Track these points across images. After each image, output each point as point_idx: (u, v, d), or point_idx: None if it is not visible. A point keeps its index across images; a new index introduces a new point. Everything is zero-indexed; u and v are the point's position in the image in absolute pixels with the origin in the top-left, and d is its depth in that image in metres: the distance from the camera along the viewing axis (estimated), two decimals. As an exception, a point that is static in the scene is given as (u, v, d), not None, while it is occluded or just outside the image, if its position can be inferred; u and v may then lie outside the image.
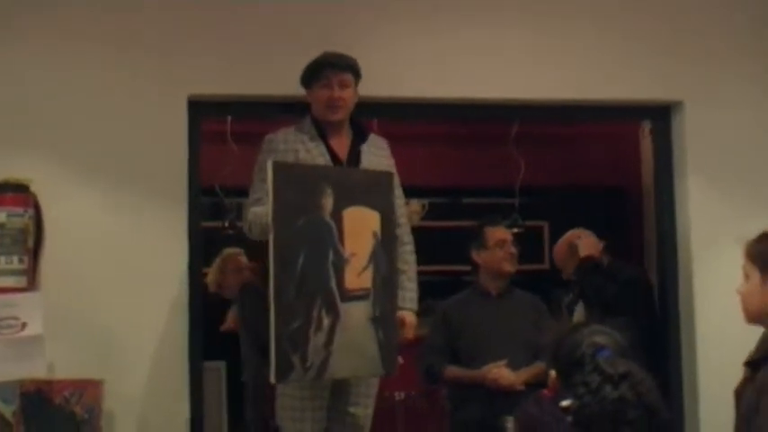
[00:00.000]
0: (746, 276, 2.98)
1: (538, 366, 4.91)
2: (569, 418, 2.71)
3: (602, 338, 2.91)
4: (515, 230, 7.83)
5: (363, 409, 4.26)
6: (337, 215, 4.00)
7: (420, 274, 7.24)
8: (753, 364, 2.91)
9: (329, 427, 4.20)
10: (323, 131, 4.26)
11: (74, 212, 4.39)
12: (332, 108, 4.23)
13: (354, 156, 4.27)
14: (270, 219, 3.84)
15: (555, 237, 8.60)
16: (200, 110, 4.58)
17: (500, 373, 4.83)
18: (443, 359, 5.01)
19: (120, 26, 4.53)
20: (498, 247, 5.16)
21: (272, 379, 3.82)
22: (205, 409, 4.58)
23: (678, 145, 4.91)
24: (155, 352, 4.42)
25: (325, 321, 3.93)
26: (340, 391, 4.19)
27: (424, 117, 5.40)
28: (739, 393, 2.94)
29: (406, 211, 4.59)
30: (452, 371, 4.98)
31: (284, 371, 3.82)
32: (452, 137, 8.19)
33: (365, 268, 4.09)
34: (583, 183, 8.38)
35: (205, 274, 6.15)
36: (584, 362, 2.80)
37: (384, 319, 4.13)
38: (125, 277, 4.41)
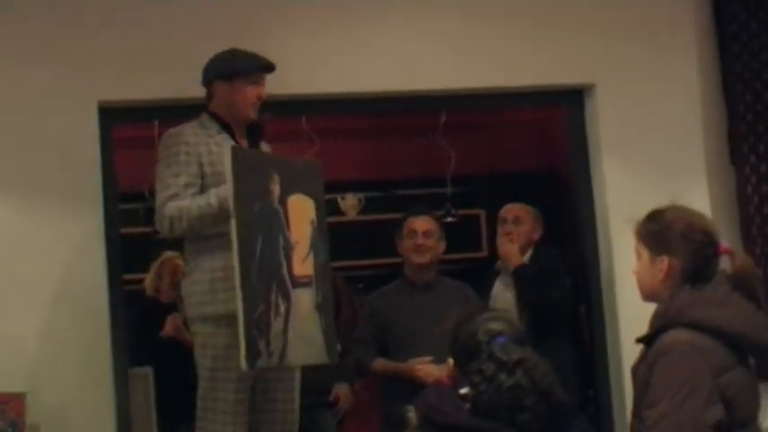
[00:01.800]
0: (638, 256, 3.02)
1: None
2: (468, 406, 2.72)
3: (497, 325, 2.93)
4: (449, 220, 7.92)
5: (292, 403, 4.24)
6: (283, 202, 4.01)
7: (357, 268, 7.31)
8: (646, 341, 2.94)
9: (257, 428, 4.17)
10: (227, 126, 4.19)
11: (-12, 225, 4.37)
12: (255, 107, 4.20)
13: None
14: (231, 204, 3.80)
15: (491, 224, 8.72)
16: (111, 115, 4.56)
17: (425, 369, 4.84)
18: (372, 352, 5.02)
19: (27, 35, 4.49)
20: (408, 237, 5.17)
21: (243, 366, 3.77)
22: (133, 417, 4.56)
23: (592, 128, 4.95)
24: (77, 361, 4.40)
25: (282, 307, 3.94)
26: (264, 388, 4.16)
27: (342, 112, 5.42)
28: (635, 370, 2.97)
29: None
30: (380, 364, 4.99)
31: (253, 357, 3.79)
32: (382, 130, 8.20)
33: (307, 255, 4.11)
34: (516, 168, 8.41)
35: (136, 281, 6.12)
36: (479, 349, 2.82)
37: (325, 306, 4.16)
38: (43, 287, 4.39)
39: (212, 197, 3.94)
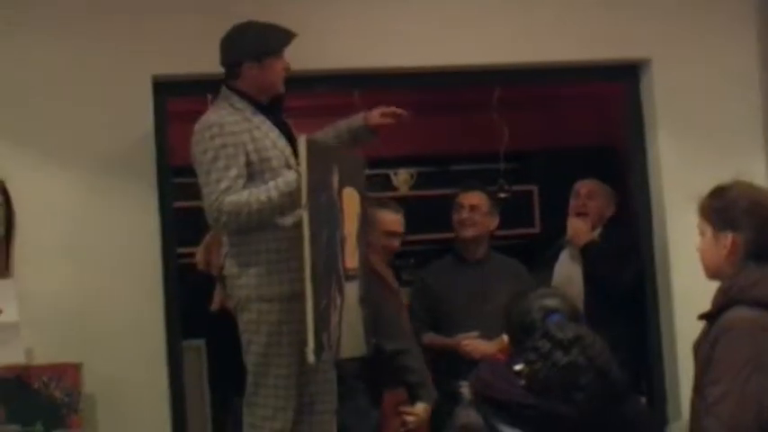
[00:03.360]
0: (702, 233, 2.98)
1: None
2: (522, 383, 2.71)
3: (552, 302, 2.91)
4: (502, 195, 7.88)
5: (330, 405, 4.22)
6: (339, 195, 3.98)
7: (411, 243, 7.25)
8: (708, 318, 2.91)
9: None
10: (259, 105, 4.07)
11: (43, 197, 4.41)
12: (282, 80, 4.10)
13: (287, 128, 4.16)
14: (304, 197, 3.74)
15: (544, 200, 8.65)
16: (166, 89, 4.58)
17: (472, 345, 4.83)
18: (423, 326, 5.02)
19: (80, 10, 4.51)
20: (456, 211, 5.16)
21: (311, 359, 3.74)
22: (186, 389, 4.60)
23: (648, 103, 4.89)
24: (132, 333, 4.44)
25: (338, 300, 3.93)
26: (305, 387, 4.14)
27: (396, 86, 5.36)
28: (696, 347, 2.94)
29: None
30: (429, 338, 4.99)
31: (319, 350, 3.76)
32: (436, 105, 8.14)
33: (356, 248, 4.11)
34: (572, 144, 8.33)
35: (189, 254, 6.15)
36: (534, 327, 2.81)
37: (368, 299, 4.16)
38: (98, 260, 4.43)
39: (272, 190, 3.86)
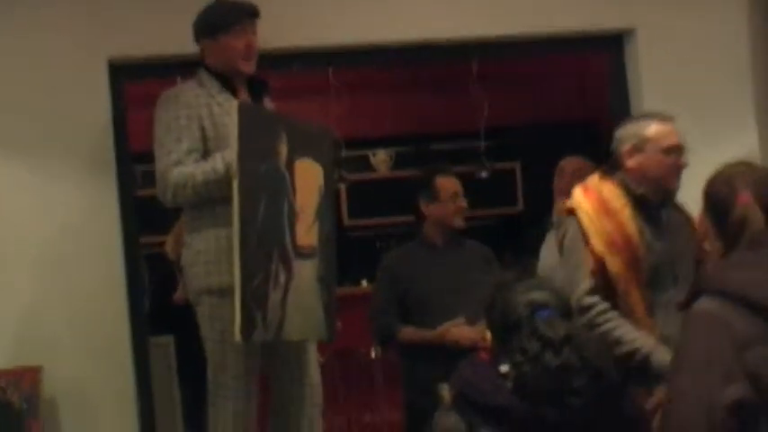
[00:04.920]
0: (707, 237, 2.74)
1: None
2: (509, 385, 2.48)
3: (540, 295, 2.64)
4: (483, 175, 7.67)
5: (316, 376, 4.02)
6: (290, 165, 3.75)
7: (390, 225, 7.01)
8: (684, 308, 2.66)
9: (277, 403, 3.96)
10: (228, 83, 3.93)
11: (-2, 189, 4.16)
12: (247, 58, 3.93)
13: None
14: (234, 164, 3.55)
15: (527, 177, 8.45)
16: (123, 72, 4.33)
17: (460, 332, 4.58)
18: (395, 319, 4.75)
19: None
20: (451, 200, 4.89)
21: (237, 337, 3.53)
22: (155, 388, 4.36)
23: (633, 74, 4.66)
24: (94, 331, 4.20)
25: (281, 278, 3.68)
26: (284, 362, 3.94)
27: (370, 63, 5.15)
28: None
29: None
30: (408, 332, 4.70)
31: (248, 328, 3.55)
32: (414, 83, 7.94)
33: (313, 224, 3.86)
34: (554, 119, 8.12)
35: (159, 244, 5.92)
36: (520, 324, 2.56)
37: (328, 280, 3.91)
38: (55, 255, 4.19)
39: (218, 162, 3.68)
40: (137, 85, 4.72)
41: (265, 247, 3.60)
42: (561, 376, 2.41)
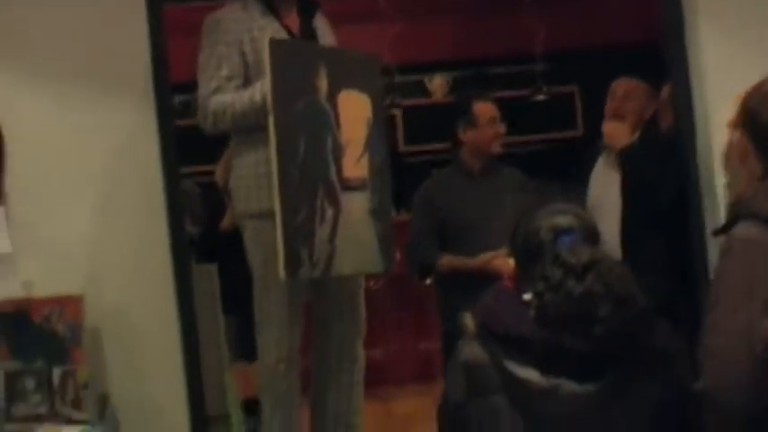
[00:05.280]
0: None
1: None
2: (532, 313, 2.40)
3: (563, 220, 2.55)
4: (539, 98, 7.53)
5: (353, 330, 3.97)
6: (332, 99, 3.68)
7: (446, 151, 6.90)
8: (721, 234, 2.54)
9: (321, 334, 3.94)
10: (272, 6, 3.88)
11: (32, 120, 4.10)
12: None
13: (308, 32, 3.91)
14: (269, 102, 3.51)
15: (586, 100, 8.26)
16: (159, -4, 4.24)
17: (504, 262, 4.48)
18: (433, 247, 4.67)
19: None
20: (489, 125, 4.77)
21: (281, 275, 3.53)
22: (199, 315, 4.33)
23: (686, -7, 4.45)
24: (135, 260, 4.16)
25: (328, 213, 3.65)
26: (333, 293, 3.90)
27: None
28: None
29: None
30: (448, 260, 4.64)
31: (294, 266, 3.53)
32: (470, 6, 7.77)
33: (361, 156, 3.79)
34: (614, 42, 7.90)
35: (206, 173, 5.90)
36: (542, 250, 2.46)
37: (381, 211, 3.84)
38: (95, 184, 4.14)
39: (257, 92, 3.64)
40: (179, 10, 4.67)
41: (308, 184, 3.56)
42: (585, 304, 2.31)
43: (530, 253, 2.51)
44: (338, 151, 3.68)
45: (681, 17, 4.48)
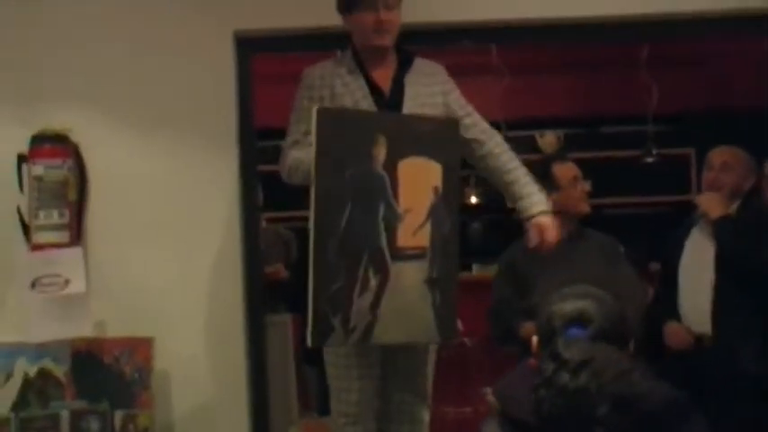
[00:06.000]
0: None
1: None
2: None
3: (577, 308, 2.37)
4: (649, 160, 7.32)
5: (413, 396, 3.87)
6: (391, 166, 3.59)
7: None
8: None
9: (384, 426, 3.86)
10: (363, 62, 3.85)
11: (118, 161, 4.15)
12: (379, 32, 3.78)
13: (398, 87, 3.84)
14: (312, 169, 3.50)
15: (703, 164, 7.99)
16: (249, 46, 4.24)
17: None
18: (515, 315, 4.51)
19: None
20: (571, 185, 4.63)
21: (309, 342, 3.49)
22: (270, 367, 4.29)
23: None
24: (208, 307, 4.15)
25: (373, 281, 3.55)
26: (393, 372, 3.82)
27: (526, 41, 4.86)
28: None
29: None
30: (530, 328, 4.47)
31: (323, 333, 3.49)
32: (583, 63, 7.63)
33: (422, 225, 3.69)
34: (734, 105, 7.64)
35: (271, 220, 5.88)
36: (550, 338, 2.32)
37: (443, 281, 3.71)
38: (173, 228, 4.15)
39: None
40: (274, 59, 4.67)
41: (350, 253, 3.50)
42: (579, 401, 2.16)
43: (545, 336, 2.38)
44: (393, 219, 3.58)
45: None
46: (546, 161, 4.75)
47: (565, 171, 4.64)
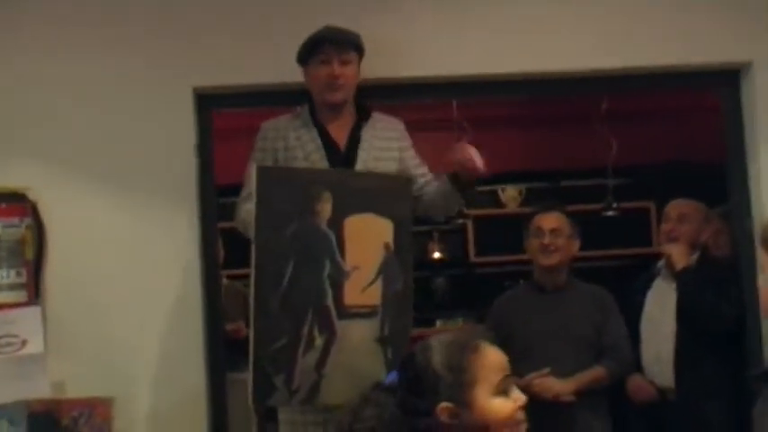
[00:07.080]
0: (763, 268, 2.46)
1: (595, 371, 4.43)
2: None
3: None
4: (609, 213, 7.36)
5: None
6: (337, 223, 3.58)
7: (519, 263, 6.77)
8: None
9: None
10: (320, 116, 3.86)
11: (76, 219, 4.11)
12: (331, 87, 3.82)
13: (354, 140, 3.86)
14: (252, 227, 3.49)
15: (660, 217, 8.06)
16: (209, 102, 4.23)
17: (543, 384, 4.31)
18: None
19: (117, 19, 4.20)
20: (534, 236, 4.65)
21: (250, 401, 3.49)
22: (231, 426, 4.23)
23: (749, 113, 4.30)
24: (169, 365, 4.10)
25: (318, 340, 3.53)
26: None
27: (484, 95, 4.87)
28: None
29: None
30: None
31: (264, 392, 3.49)
32: (542, 119, 7.69)
33: (371, 283, 3.66)
34: (693, 158, 7.72)
35: (233, 277, 5.84)
36: None
37: (396, 338, 3.68)
38: (133, 286, 4.10)
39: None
40: (234, 115, 4.67)
41: (294, 310, 3.48)
42: None
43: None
44: (339, 277, 3.55)
45: (742, 139, 4.32)
46: (533, 211, 4.79)
47: (538, 221, 4.68)
